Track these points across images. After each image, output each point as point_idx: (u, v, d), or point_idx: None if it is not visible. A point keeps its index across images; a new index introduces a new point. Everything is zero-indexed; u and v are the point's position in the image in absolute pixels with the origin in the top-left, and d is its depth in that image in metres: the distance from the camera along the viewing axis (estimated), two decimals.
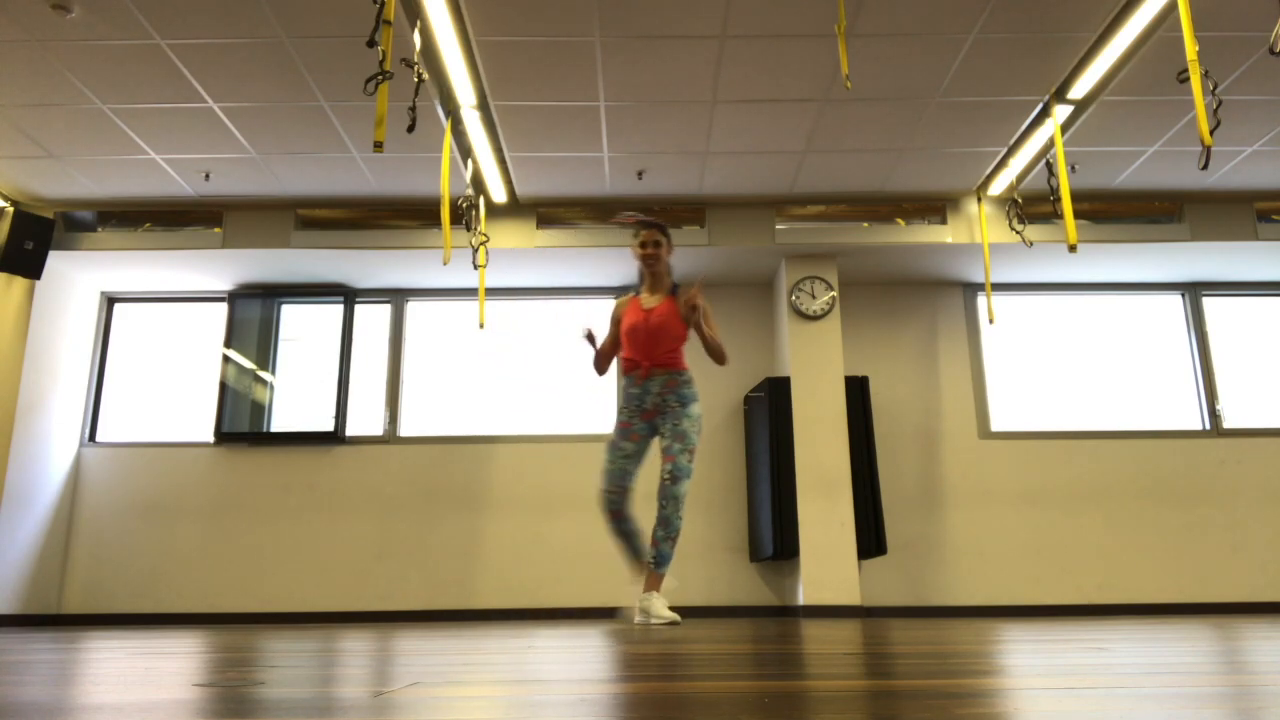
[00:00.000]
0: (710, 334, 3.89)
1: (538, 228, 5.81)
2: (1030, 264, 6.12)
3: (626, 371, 4.02)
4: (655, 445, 4.05)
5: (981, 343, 6.41)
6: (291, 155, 5.24)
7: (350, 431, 6.23)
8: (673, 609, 5.83)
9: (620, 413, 4.02)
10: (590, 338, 3.98)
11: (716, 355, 3.92)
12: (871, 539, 5.58)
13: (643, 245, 4.04)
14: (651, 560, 3.83)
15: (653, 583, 3.82)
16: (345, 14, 4.03)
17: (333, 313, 6.41)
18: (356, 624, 5.08)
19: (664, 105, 4.76)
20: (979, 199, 5.80)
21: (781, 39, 4.23)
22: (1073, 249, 4.41)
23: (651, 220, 4.09)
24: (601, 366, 4.12)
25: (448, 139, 4.69)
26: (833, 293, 5.91)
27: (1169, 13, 3.99)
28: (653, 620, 3.75)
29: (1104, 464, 6.12)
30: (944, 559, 5.98)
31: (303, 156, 5.26)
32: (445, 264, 4.53)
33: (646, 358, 3.94)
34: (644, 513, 5.75)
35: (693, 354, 4.08)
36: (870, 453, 5.74)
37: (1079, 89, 4.59)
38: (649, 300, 4.05)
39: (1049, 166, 5.21)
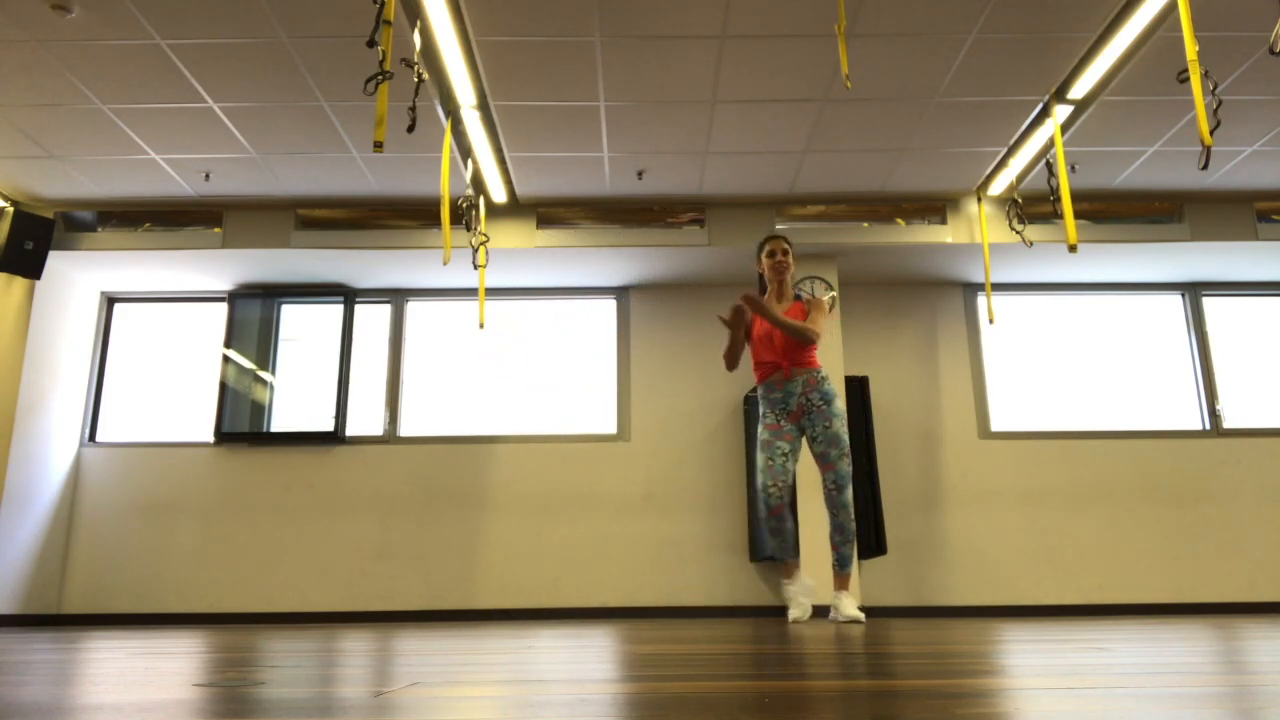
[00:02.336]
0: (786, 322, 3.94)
1: (538, 228, 5.81)
2: (1030, 264, 6.12)
3: (766, 377, 4.07)
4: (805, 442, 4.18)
5: (981, 343, 6.41)
6: (291, 155, 5.25)
7: (350, 431, 6.23)
8: (675, 608, 5.86)
9: (765, 417, 4.08)
10: (736, 320, 3.89)
11: (800, 336, 3.95)
12: (871, 539, 5.58)
13: (771, 255, 4.17)
14: (835, 564, 4.02)
15: (841, 583, 4.03)
16: (345, 14, 4.03)
17: (333, 313, 6.41)
18: (356, 624, 5.07)
19: (664, 105, 4.76)
20: (979, 199, 5.81)
21: (781, 39, 4.23)
22: (1073, 249, 4.41)
23: (777, 234, 4.27)
24: (732, 362, 4.08)
25: (448, 139, 4.69)
26: (833, 293, 5.91)
27: (1169, 13, 3.99)
28: (841, 618, 3.94)
29: (1104, 464, 6.12)
30: (944, 559, 5.98)
31: (303, 156, 5.26)
32: (445, 264, 4.53)
33: (785, 359, 4.03)
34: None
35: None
36: (870, 453, 5.74)
37: (1079, 89, 4.59)
38: (778, 308, 4.14)
39: (1049, 166, 5.21)
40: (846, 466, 3.95)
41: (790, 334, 3.92)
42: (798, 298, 4.18)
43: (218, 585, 5.95)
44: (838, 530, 3.96)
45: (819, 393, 4.01)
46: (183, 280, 6.30)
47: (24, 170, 5.36)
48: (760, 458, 4.02)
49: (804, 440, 4.12)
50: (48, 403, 5.85)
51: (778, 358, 4.04)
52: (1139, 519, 6.03)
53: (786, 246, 4.18)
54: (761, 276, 4.27)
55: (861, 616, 3.94)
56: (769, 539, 4.03)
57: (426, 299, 6.52)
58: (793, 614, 4.03)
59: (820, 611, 4.95)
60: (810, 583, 4.06)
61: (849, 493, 3.96)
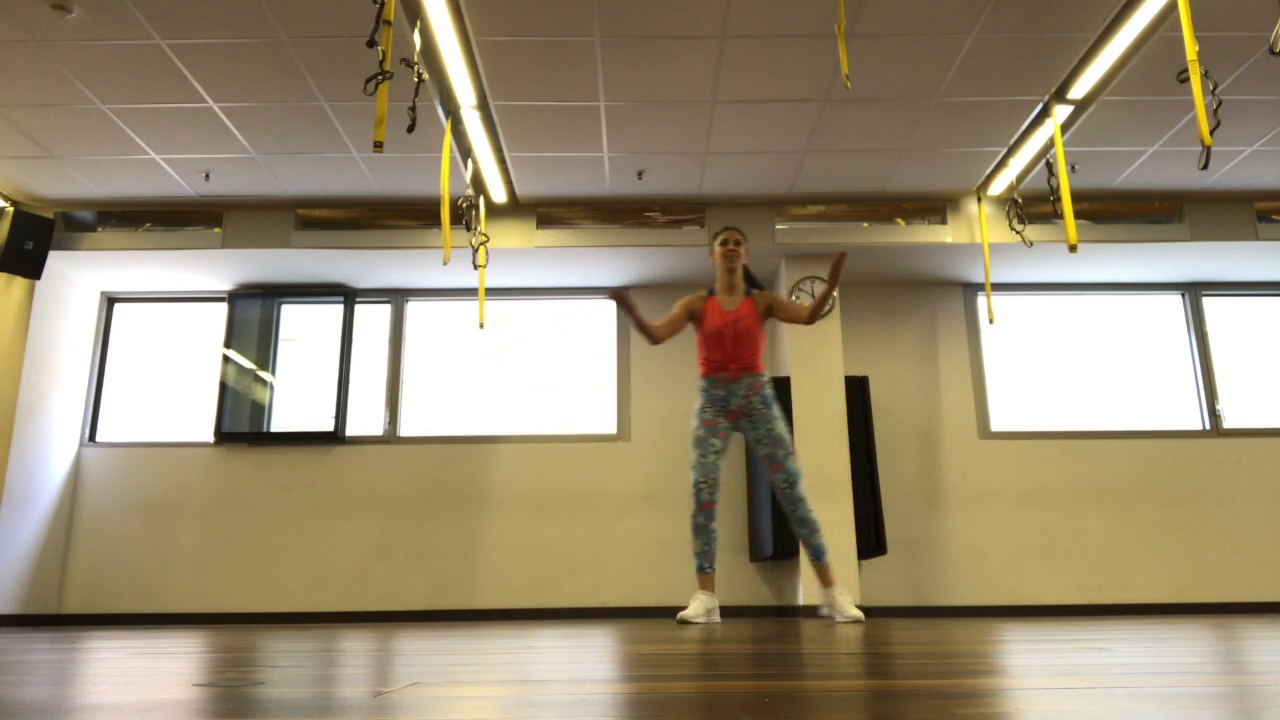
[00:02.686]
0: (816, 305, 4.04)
1: (538, 228, 5.81)
2: (1030, 264, 6.12)
3: (711, 373, 4.07)
4: (737, 441, 4.11)
5: (981, 343, 6.41)
6: (291, 155, 5.25)
7: (350, 431, 6.23)
8: (675, 608, 5.86)
9: (704, 411, 4.07)
10: (620, 297, 3.87)
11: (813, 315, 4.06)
12: (871, 539, 5.58)
13: (724, 244, 4.12)
14: (812, 558, 3.98)
15: (825, 578, 3.99)
16: (345, 14, 4.03)
17: (333, 313, 6.41)
18: (356, 624, 5.07)
19: (664, 105, 4.77)
20: (979, 199, 5.81)
21: (781, 39, 4.23)
22: (1073, 249, 4.41)
23: (732, 225, 4.23)
24: (653, 338, 4.07)
25: (448, 139, 4.69)
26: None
27: (1169, 13, 3.99)
28: (839, 617, 3.90)
29: (1104, 464, 6.12)
30: (944, 559, 5.98)
31: (303, 156, 5.26)
32: (445, 264, 4.53)
33: (734, 360, 4.03)
34: (658, 512, 5.76)
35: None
36: (870, 453, 5.74)
37: (1079, 89, 4.59)
38: (729, 302, 4.11)
39: (1049, 166, 5.21)
40: (795, 464, 3.97)
41: (817, 314, 4.02)
42: (748, 293, 4.13)
43: (218, 585, 5.95)
44: (801, 524, 3.95)
45: (760, 396, 4.03)
46: (183, 280, 6.30)
47: (24, 170, 5.36)
48: (693, 454, 4.02)
49: (733, 440, 4.12)
50: (48, 403, 5.86)
51: (726, 358, 4.03)
52: (1139, 519, 6.03)
53: (740, 238, 4.15)
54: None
55: (861, 615, 3.91)
56: (693, 538, 3.98)
57: (426, 299, 6.52)
58: (687, 612, 3.86)
59: (811, 611, 4.94)
60: (714, 604, 3.91)
61: (801, 486, 3.95)
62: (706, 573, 3.95)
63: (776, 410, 4.04)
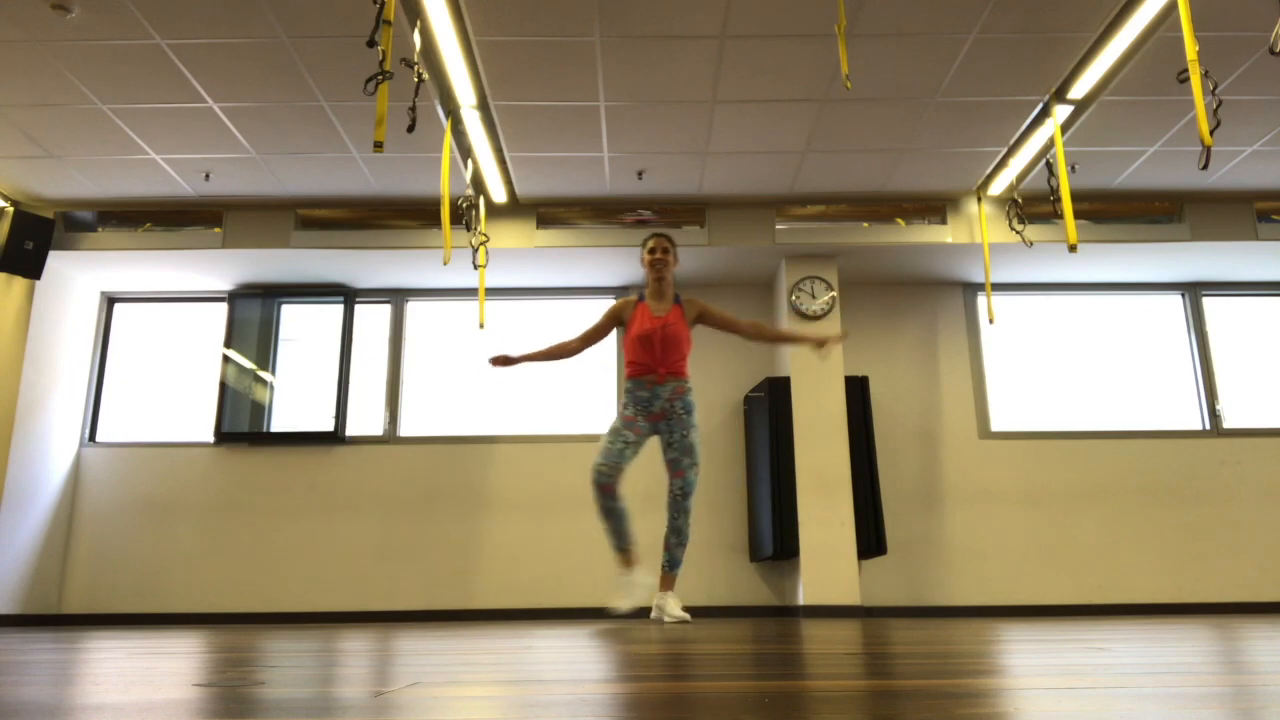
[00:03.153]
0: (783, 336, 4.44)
1: (538, 228, 5.81)
2: (1030, 264, 6.12)
3: (637, 375, 4.15)
4: (652, 442, 4.29)
5: (981, 343, 6.41)
6: (291, 155, 5.25)
7: (350, 431, 6.23)
8: (683, 608, 5.84)
9: (625, 408, 4.16)
10: (502, 362, 4.13)
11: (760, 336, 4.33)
12: (871, 539, 5.58)
13: (651, 252, 4.22)
14: (665, 564, 4.11)
15: (668, 583, 4.11)
16: (345, 14, 4.03)
17: (333, 313, 6.41)
18: (356, 624, 5.07)
19: (664, 105, 4.77)
20: (979, 199, 5.81)
21: (781, 39, 4.23)
22: (1073, 249, 4.41)
23: (661, 231, 4.33)
24: (567, 355, 4.25)
25: (448, 139, 4.69)
26: (833, 293, 5.91)
27: (1169, 13, 3.99)
28: (667, 618, 4.01)
29: (1104, 464, 6.12)
30: (944, 559, 5.98)
31: (303, 156, 5.26)
32: (445, 264, 4.54)
33: (661, 365, 4.12)
34: (641, 511, 5.75)
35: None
36: (870, 453, 5.74)
37: (1079, 89, 4.59)
38: (658, 308, 4.19)
39: (1049, 166, 5.21)
40: (695, 476, 4.09)
41: (765, 339, 4.31)
42: (676, 300, 4.22)
43: (218, 585, 5.95)
44: (675, 533, 4.07)
45: (683, 402, 4.13)
46: (183, 280, 6.30)
47: (24, 170, 5.36)
48: (603, 439, 4.11)
49: (649, 442, 4.27)
50: (48, 403, 5.86)
51: (654, 362, 4.12)
52: (1139, 519, 6.03)
53: (668, 245, 4.23)
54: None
55: (688, 617, 4.02)
56: (604, 521, 4.05)
57: (426, 299, 6.52)
58: (618, 602, 4.02)
59: (812, 611, 4.94)
60: (648, 580, 4.06)
61: (692, 499, 4.09)
62: (626, 550, 4.06)
63: (695, 419, 4.16)
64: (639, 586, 4.05)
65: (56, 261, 5.89)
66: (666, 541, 4.09)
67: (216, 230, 5.79)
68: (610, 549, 4.22)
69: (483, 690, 1.26)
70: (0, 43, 4.18)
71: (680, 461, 4.08)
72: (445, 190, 4.59)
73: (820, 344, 4.13)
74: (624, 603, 4.04)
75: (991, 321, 5.65)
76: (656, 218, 5.85)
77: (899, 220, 5.82)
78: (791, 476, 5.61)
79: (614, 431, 4.11)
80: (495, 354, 4.13)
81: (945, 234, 5.78)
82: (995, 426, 6.25)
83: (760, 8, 4.00)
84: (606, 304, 6.50)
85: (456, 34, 4.13)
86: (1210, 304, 6.49)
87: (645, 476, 5.83)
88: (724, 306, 6.41)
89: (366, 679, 1.41)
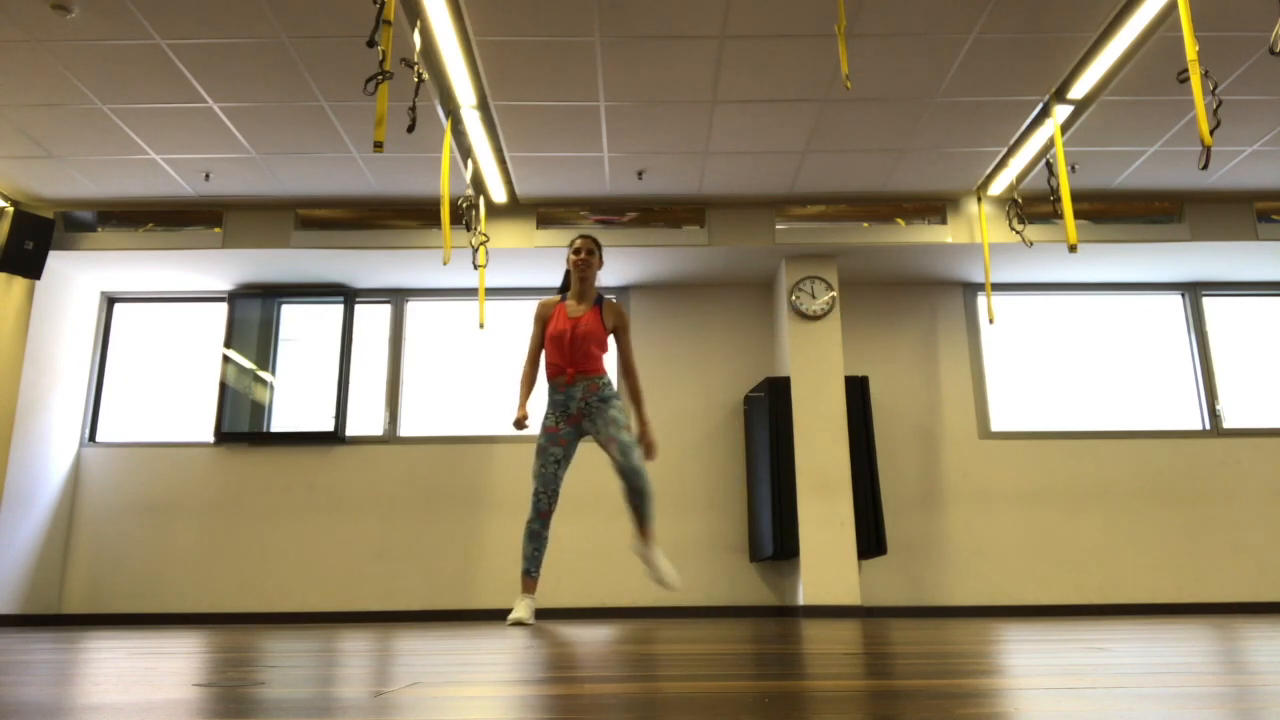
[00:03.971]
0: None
1: (538, 228, 5.81)
2: (1030, 264, 6.12)
3: (552, 376, 4.18)
4: (582, 445, 4.23)
5: (981, 343, 6.41)
6: (291, 155, 5.25)
7: (350, 431, 6.23)
8: (675, 608, 5.86)
9: (546, 418, 4.18)
10: (522, 423, 4.14)
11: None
12: (871, 539, 5.58)
13: (577, 252, 4.24)
14: (639, 523, 4.12)
15: (648, 535, 4.13)
16: (345, 14, 4.03)
17: (333, 313, 6.41)
18: (356, 624, 5.07)
19: (664, 105, 4.77)
20: (979, 199, 5.81)
21: (781, 39, 4.23)
22: (1073, 249, 4.41)
23: (588, 233, 4.36)
24: (533, 376, 4.28)
25: (448, 139, 4.69)
26: (833, 293, 5.91)
27: (1169, 13, 3.99)
28: (661, 575, 4.09)
29: (1104, 464, 6.12)
30: (944, 559, 5.98)
31: (303, 156, 5.26)
32: (445, 264, 4.54)
33: (571, 364, 4.14)
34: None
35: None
36: (870, 453, 5.74)
37: (1079, 89, 4.59)
38: (575, 309, 4.22)
39: (1049, 166, 5.21)
40: (628, 436, 4.06)
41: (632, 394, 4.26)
42: (597, 302, 4.23)
43: (218, 585, 5.95)
44: (635, 494, 4.02)
45: (598, 397, 4.13)
46: (183, 280, 6.30)
47: (24, 170, 5.36)
48: (535, 464, 4.13)
49: (579, 444, 4.30)
50: (48, 403, 5.86)
51: (564, 362, 4.13)
52: (1139, 519, 6.03)
53: (594, 246, 4.25)
54: (568, 273, 4.31)
55: (675, 577, 4.10)
56: (526, 543, 4.07)
57: (426, 299, 6.52)
58: (517, 614, 3.98)
59: (811, 611, 4.93)
60: (532, 604, 4.05)
61: (637, 454, 4.03)
62: (533, 576, 4.08)
63: (616, 401, 4.14)
64: (532, 607, 4.05)
65: (56, 261, 5.89)
66: (631, 504, 4.04)
67: (216, 230, 5.79)
68: (521, 570, 4.20)
69: (483, 690, 1.26)
70: (0, 43, 4.18)
71: (608, 430, 4.05)
72: (445, 190, 4.59)
73: (644, 439, 4.15)
74: (522, 614, 3.98)
75: (991, 321, 5.65)
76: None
77: (899, 220, 5.83)
78: (791, 476, 5.61)
79: (541, 451, 4.12)
80: (516, 420, 4.10)
81: (945, 234, 5.78)
82: (995, 426, 6.25)
83: (760, 8, 4.00)
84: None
85: (456, 34, 4.13)
86: (1210, 304, 6.49)
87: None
88: (724, 306, 6.43)
89: (366, 679, 1.41)
